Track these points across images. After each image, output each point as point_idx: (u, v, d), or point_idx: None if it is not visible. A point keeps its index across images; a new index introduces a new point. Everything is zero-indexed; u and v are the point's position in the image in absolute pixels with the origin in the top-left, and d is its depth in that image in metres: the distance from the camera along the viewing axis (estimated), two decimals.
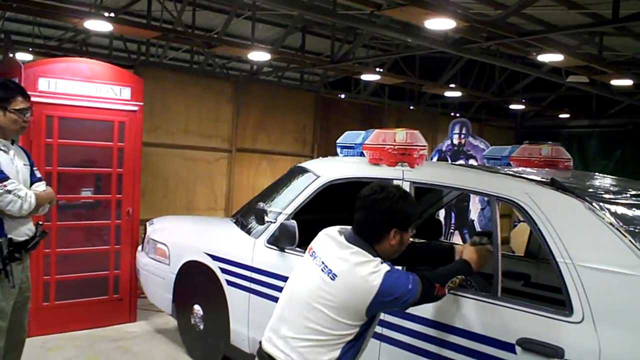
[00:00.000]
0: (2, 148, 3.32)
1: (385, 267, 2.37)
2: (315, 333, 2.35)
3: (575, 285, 2.50)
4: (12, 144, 3.44)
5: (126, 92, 5.54)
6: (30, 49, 8.99)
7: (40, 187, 3.50)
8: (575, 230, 2.63)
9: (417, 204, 2.63)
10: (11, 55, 6.67)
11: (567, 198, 2.70)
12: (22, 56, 8.40)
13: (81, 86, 5.28)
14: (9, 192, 3.16)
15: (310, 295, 2.39)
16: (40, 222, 3.56)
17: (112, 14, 7.40)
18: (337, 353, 2.35)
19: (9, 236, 3.27)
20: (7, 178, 3.20)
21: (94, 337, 5.31)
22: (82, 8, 7.56)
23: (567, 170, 4.20)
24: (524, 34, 6.64)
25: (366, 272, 2.34)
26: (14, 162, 3.37)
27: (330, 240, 2.50)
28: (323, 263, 2.43)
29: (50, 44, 10.16)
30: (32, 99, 4.95)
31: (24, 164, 3.48)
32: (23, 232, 3.36)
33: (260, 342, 2.55)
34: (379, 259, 2.40)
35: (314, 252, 2.52)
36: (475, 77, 11.33)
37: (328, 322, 2.34)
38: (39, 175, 3.58)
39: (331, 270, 2.38)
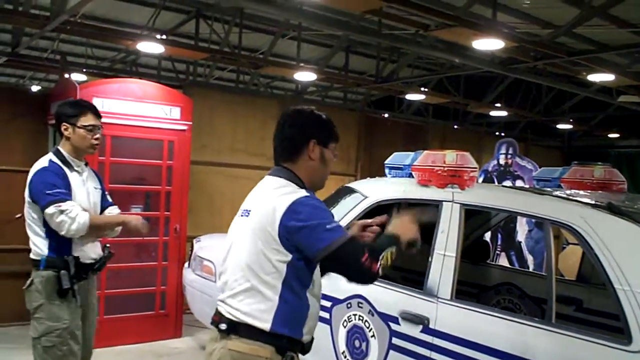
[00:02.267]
0: (76, 169, 3.31)
1: (307, 192, 2.19)
2: (247, 281, 2.18)
3: (635, 313, 2.42)
4: (86, 165, 3.43)
5: (176, 112, 5.66)
6: (84, 70, 9.29)
7: (114, 211, 3.49)
8: (634, 256, 2.55)
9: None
10: (67, 76, 6.92)
11: (625, 223, 2.63)
12: (75, 76, 8.68)
13: (133, 106, 5.43)
14: (62, 212, 3.07)
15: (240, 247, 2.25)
16: (108, 245, 3.52)
17: (164, 36, 7.60)
18: (274, 301, 2.14)
19: (76, 255, 3.23)
20: (64, 200, 3.12)
21: (140, 352, 5.38)
22: (134, 30, 7.80)
23: (622, 193, 4.09)
24: (573, 54, 6.55)
25: (282, 192, 2.18)
26: (85, 184, 3.35)
27: (252, 191, 2.39)
28: (244, 210, 2.30)
29: (102, 64, 10.49)
30: None
31: (95, 187, 3.45)
32: (89, 254, 3.31)
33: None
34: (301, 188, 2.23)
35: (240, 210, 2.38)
36: (521, 96, 11.18)
37: (256, 262, 2.16)
38: (110, 199, 3.57)
39: (247, 210, 2.27)
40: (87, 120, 3.28)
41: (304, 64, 8.61)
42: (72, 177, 3.26)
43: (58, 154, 3.28)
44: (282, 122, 2.34)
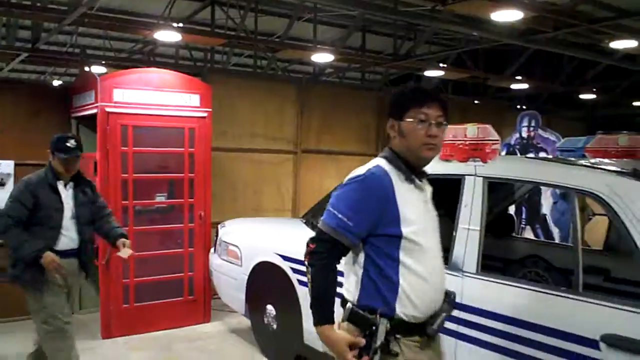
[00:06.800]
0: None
1: (360, 172, 2.25)
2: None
3: None
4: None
5: (195, 99, 5.69)
6: (103, 62, 9.37)
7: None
8: None
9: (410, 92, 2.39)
10: (87, 69, 7.00)
11: None
12: (95, 69, 8.77)
13: (153, 95, 5.47)
14: None
15: None
16: None
17: (180, 24, 7.63)
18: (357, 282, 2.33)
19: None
20: None
21: (171, 338, 5.48)
22: (151, 20, 7.83)
23: None
24: (594, 21, 6.41)
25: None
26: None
27: None
28: None
29: (121, 56, 10.56)
30: (108, 109, 5.25)
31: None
32: None
33: None
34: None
35: None
36: (542, 67, 11.00)
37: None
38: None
39: None
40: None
41: (320, 45, 8.57)
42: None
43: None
44: None
